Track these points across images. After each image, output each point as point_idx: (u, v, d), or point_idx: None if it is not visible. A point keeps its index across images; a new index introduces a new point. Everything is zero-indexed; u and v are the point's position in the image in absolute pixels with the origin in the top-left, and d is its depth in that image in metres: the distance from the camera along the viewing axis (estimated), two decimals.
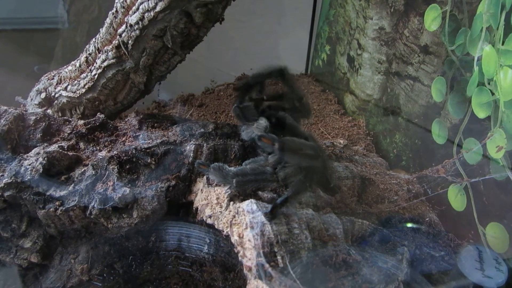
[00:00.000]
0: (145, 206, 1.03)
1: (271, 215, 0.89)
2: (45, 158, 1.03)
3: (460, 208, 1.21)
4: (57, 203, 1.00)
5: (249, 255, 0.82)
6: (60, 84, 1.37)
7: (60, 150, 1.06)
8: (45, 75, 1.46)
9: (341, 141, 1.51)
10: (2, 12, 1.76)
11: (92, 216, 1.00)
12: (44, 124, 1.16)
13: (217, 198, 0.98)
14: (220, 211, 0.95)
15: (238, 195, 0.97)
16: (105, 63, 1.19)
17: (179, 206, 1.11)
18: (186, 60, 1.21)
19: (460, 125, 1.22)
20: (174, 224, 1.10)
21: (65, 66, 1.39)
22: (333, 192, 1.14)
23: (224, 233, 0.91)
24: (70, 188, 1.02)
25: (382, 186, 1.29)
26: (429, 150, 1.37)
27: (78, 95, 1.30)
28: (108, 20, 1.18)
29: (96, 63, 1.22)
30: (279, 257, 0.83)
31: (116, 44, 1.15)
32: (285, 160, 0.94)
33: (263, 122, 0.97)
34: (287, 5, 2.17)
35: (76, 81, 1.30)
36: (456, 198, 1.22)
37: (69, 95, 1.32)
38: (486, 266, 1.02)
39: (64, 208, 0.99)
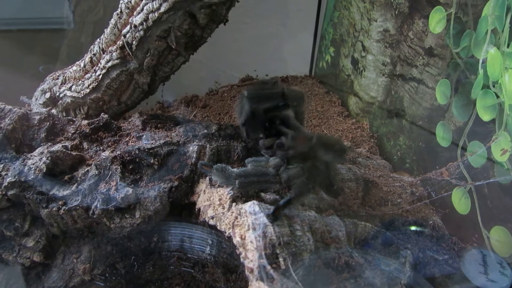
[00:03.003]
0: (147, 206, 1.03)
1: (274, 217, 0.88)
2: (49, 158, 1.03)
3: (464, 211, 1.20)
4: (60, 202, 1.00)
5: (251, 257, 0.82)
6: (64, 84, 1.38)
7: (64, 150, 1.06)
8: (50, 75, 1.47)
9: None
10: (8, 12, 1.77)
11: (94, 216, 1.00)
12: (48, 123, 1.16)
13: (220, 199, 0.97)
14: (222, 212, 0.94)
15: (240, 196, 0.97)
16: (110, 64, 1.20)
17: (182, 207, 1.11)
18: (190, 61, 1.22)
19: (465, 127, 1.21)
20: (177, 225, 1.10)
21: (69, 66, 1.40)
22: (336, 194, 1.13)
23: (226, 234, 0.90)
24: (73, 187, 1.02)
25: (386, 189, 1.28)
26: (433, 152, 1.36)
27: (82, 95, 1.30)
28: (112, 21, 1.19)
29: (101, 64, 1.23)
30: (281, 259, 0.82)
31: (120, 45, 1.16)
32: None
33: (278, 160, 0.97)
34: (291, 7, 2.17)
35: (80, 81, 1.31)
36: (460, 201, 1.21)
37: (74, 95, 1.33)
38: (490, 270, 1.01)
39: (67, 208, 1.00)
